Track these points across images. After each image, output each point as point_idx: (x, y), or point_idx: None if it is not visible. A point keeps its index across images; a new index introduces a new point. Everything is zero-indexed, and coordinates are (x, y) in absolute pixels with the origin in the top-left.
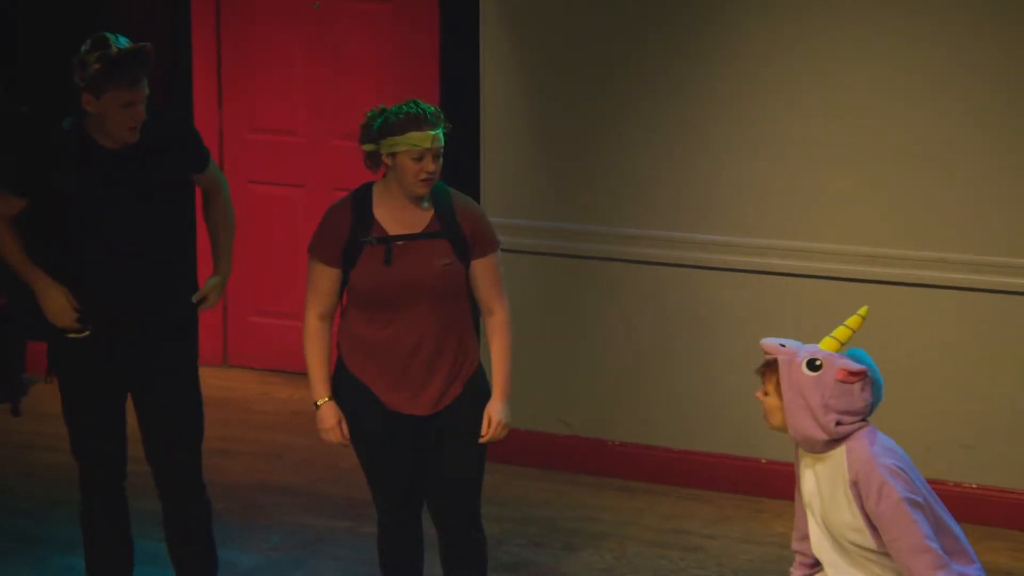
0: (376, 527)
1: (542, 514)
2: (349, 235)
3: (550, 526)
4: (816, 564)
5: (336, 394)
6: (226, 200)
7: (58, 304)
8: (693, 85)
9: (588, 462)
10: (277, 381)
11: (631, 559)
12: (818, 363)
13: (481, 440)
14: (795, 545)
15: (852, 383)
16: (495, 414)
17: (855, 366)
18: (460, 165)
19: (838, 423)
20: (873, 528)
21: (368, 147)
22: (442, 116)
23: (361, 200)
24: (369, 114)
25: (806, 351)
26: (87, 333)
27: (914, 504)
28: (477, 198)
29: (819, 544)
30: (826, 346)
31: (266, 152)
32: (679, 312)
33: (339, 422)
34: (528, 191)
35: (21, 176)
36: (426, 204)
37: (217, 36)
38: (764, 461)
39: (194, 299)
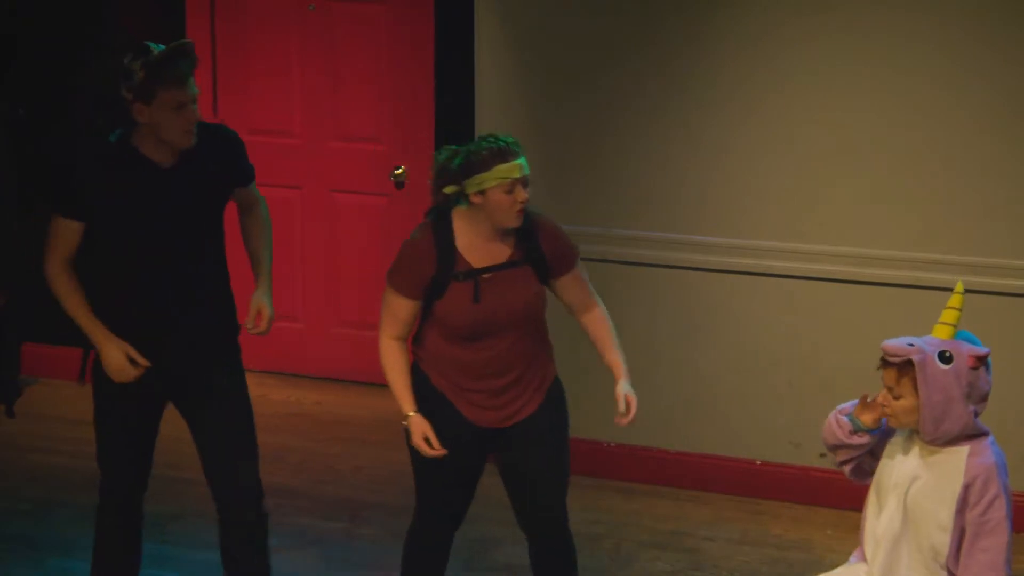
0: (407, 534)
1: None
2: (435, 273)
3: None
4: None
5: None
6: (266, 216)
7: (119, 361)
8: (689, 87)
9: (585, 464)
10: (273, 383)
11: (628, 560)
12: (948, 355)
13: (624, 422)
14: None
15: (979, 367)
16: (628, 393)
17: (980, 349)
18: None
19: (976, 413)
20: (958, 534)
21: (450, 189)
22: (517, 143)
23: (442, 232)
24: (441, 156)
25: (932, 346)
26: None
27: (1011, 527)
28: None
29: (889, 527)
30: (941, 333)
31: (262, 154)
32: (675, 314)
33: (425, 435)
34: None
35: (73, 196)
36: (509, 230)
37: (212, 38)
38: (759, 463)
39: (248, 323)
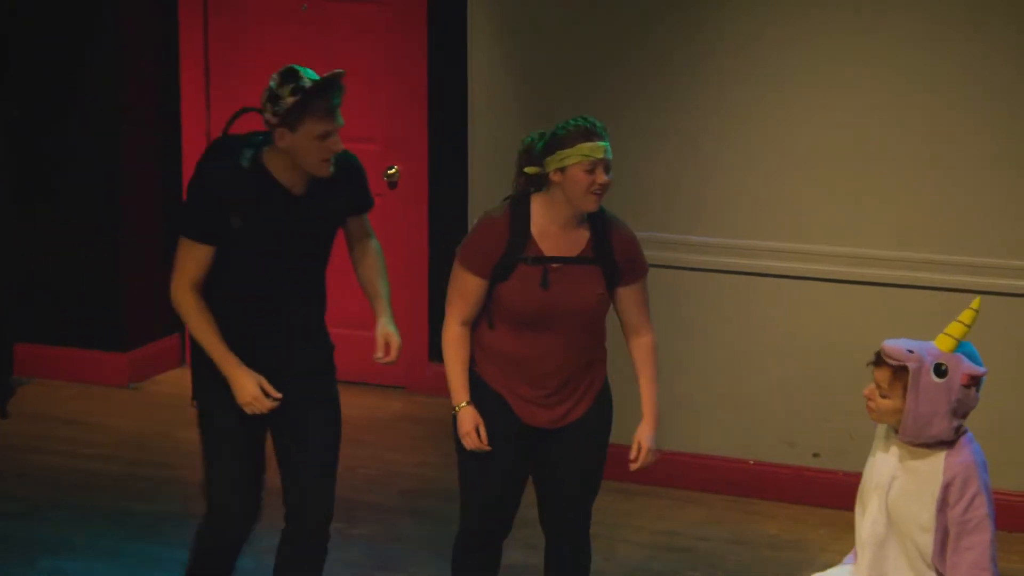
0: (456, 539)
1: (535, 516)
2: (505, 251)
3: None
4: None
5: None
6: (379, 248)
7: (253, 391)
8: (684, 88)
9: None
10: None
11: (623, 560)
12: (944, 368)
13: (632, 468)
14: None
15: (971, 387)
16: (645, 440)
17: (977, 369)
18: (449, 166)
19: (958, 427)
20: (941, 533)
21: (532, 170)
22: (603, 127)
23: (519, 213)
24: (527, 140)
25: (931, 356)
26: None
27: (993, 525)
28: (465, 201)
29: (872, 529)
30: (943, 345)
31: None
32: (670, 314)
33: (477, 427)
34: None
35: (204, 220)
36: (584, 224)
37: (205, 38)
38: (753, 462)
39: (378, 353)
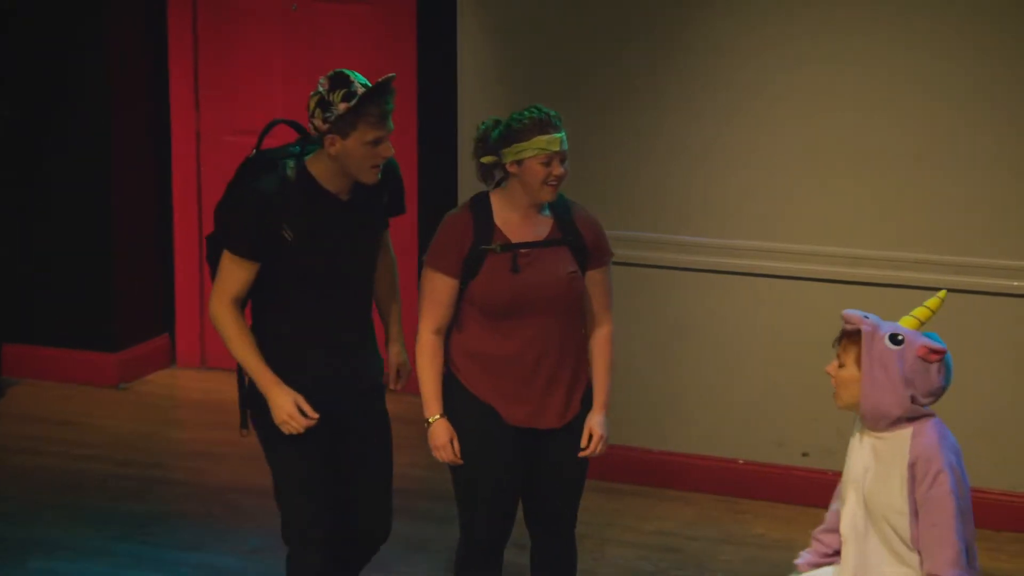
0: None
1: (522, 516)
2: (472, 244)
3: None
4: (833, 555)
5: (449, 411)
6: (395, 264)
7: (289, 409)
8: (671, 88)
9: None
10: None
11: (611, 560)
12: (900, 338)
13: (582, 454)
14: (817, 534)
15: (931, 362)
16: (597, 428)
17: (936, 344)
18: (438, 167)
19: (913, 399)
20: (915, 515)
21: (487, 159)
22: (559, 118)
23: (480, 207)
24: (481, 127)
25: (888, 325)
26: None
27: (959, 503)
28: (454, 201)
29: (851, 523)
30: (906, 324)
31: (245, 154)
32: (658, 313)
33: (451, 439)
34: None
35: (251, 236)
36: (546, 212)
37: (194, 38)
38: (742, 462)
39: (390, 379)
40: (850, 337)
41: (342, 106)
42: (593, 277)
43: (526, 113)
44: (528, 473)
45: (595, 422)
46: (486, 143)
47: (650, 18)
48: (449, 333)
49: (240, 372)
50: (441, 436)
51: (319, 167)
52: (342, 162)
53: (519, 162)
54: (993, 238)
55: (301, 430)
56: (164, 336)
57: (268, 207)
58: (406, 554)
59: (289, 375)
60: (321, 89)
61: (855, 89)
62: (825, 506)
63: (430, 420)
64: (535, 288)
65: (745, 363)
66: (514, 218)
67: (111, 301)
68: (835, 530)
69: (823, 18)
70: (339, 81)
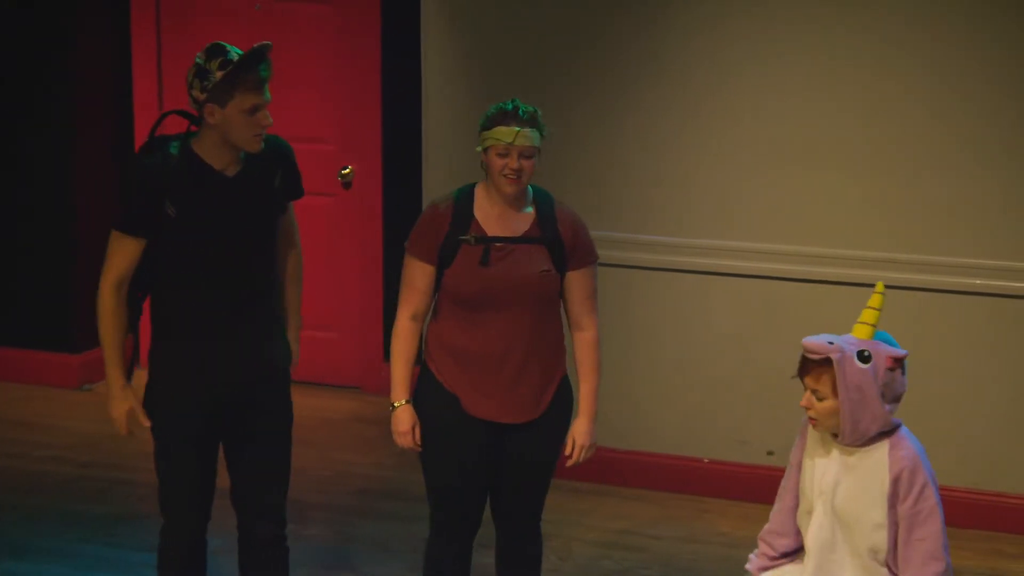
0: (428, 538)
1: (488, 516)
2: (448, 232)
3: (490, 525)
4: (780, 557)
5: (416, 399)
6: (299, 252)
7: (119, 415)
8: (635, 86)
9: None
10: None
11: (576, 560)
12: (867, 354)
13: (568, 464)
14: (765, 536)
15: (896, 368)
16: (580, 436)
17: (898, 351)
18: (403, 166)
19: (891, 412)
20: (894, 529)
21: (477, 148)
22: (538, 118)
23: (463, 198)
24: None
25: (852, 344)
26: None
27: (942, 513)
28: (419, 200)
29: (818, 535)
30: (859, 334)
31: None
32: (621, 313)
33: (413, 427)
34: None
35: (136, 212)
36: (528, 208)
37: (158, 38)
38: (706, 461)
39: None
40: (820, 366)
41: (219, 74)
42: (573, 278)
43: (498, 104)
44: (495, 467)
45: (578, 430)
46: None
47: (613, 15)
48: (428, 321)
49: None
50: (403, 422)
51: (202, 144)
52: (223, 132)
53: (485, 151)
54: (964, 237)
55: (125, 433)
56: (127, 337)
57: (149, 182)
58: (371, 554)
59: (181, 362)
60: (199, 60)
61: (821, 87)
62: None
63: (395, 404)
64: (503, 283)
65: (708, 362)
66: (493, 211)
67: (73, 302)
68: (783, 533)
69: (790, 14)
70: (215, 51)
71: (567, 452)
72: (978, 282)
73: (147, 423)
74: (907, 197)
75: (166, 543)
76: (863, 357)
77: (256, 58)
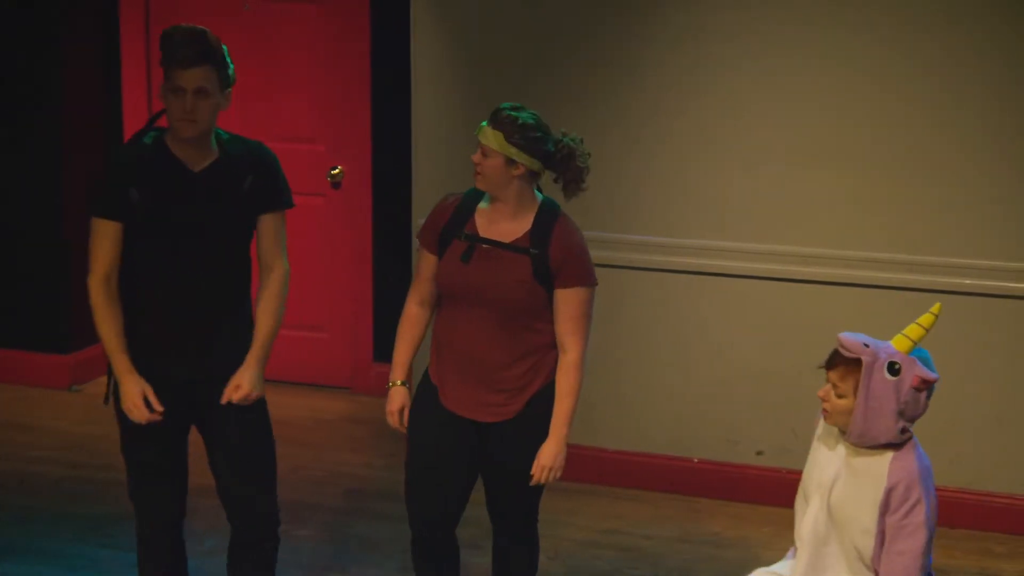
0: (411, 536)
1: (477, 516)
2: (446, 225)
3: (486, 528)
4: None
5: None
6: (281, 274)
7: (134, 399)
8: (624, 87)
9: None
10: None
11: (566, 560)
12: (897, 367)
13: (531, 483)
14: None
15: (923, 390)
16: (543, 456)
17: (930, 374)
18: (392, 167)
19: (903, 430)
20: (881, 537)
21: None
22: (503, 118)
23: (472, 195)
24: None
25: (885, 353)
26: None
27: (930, 533)
28: (409, 201)
29: (813, 528)
30: (899, 346)
31: None
32: (611, 313)
33: (401, 409)
34: None
35: (107, 196)
36: (528, 214)
37: (146, 38)
38: (697, 461)
39: (225, 394)
40: (848, 364)
41: (160, 51)
42: (559, 297)
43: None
44: (476, 465)
45: (544, 451)
46: None
47: (600, 15)
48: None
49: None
50: (392, 401)
51: (172, 136)
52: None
53: None
54: (947, 236)
55: (143, 421)
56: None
57: (118, 167)
58: (362, 554)
59: (146, 358)
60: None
61: (810, 86)
62: (778, 504)
63: (389, 384)
64: (477, 284)
65: (698, 362)
66: (494, 215)
67: (63, 303)
68: None
69: (783, 14)
70: (167, 31)
71: (532, 471)
72: (968, 282)
73: (160, 408)
74: (897, 197)
75: (139, 536)
76: (893, 369)
77: (183, 35)
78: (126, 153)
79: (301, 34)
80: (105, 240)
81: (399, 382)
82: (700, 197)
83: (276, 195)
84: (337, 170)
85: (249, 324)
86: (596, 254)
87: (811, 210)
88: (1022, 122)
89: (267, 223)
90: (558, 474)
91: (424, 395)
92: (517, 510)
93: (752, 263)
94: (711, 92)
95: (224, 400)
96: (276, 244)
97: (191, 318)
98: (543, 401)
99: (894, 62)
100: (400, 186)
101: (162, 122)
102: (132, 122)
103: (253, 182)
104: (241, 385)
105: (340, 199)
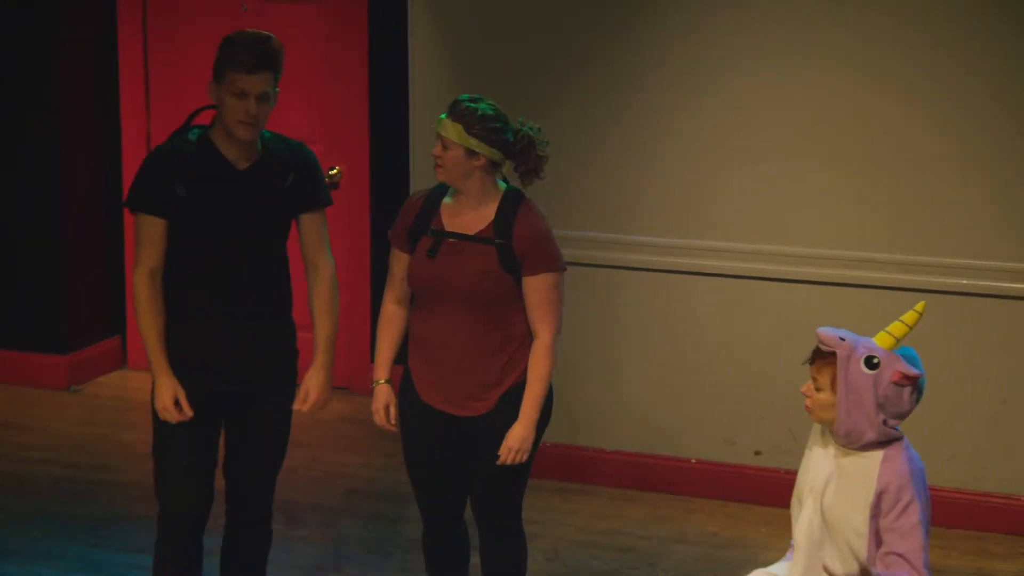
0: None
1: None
2: (413, 222)
3: None
4: None
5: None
6: (331, 280)
7: (166, 400)
8: (620, 87)
9: None
10: None
11: (564, 560)
12: (876, 361)
13: (498, 463)
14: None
15: (905, 386)
16: (510, 438)
17: (911, 369)
18: (390, 167)
19: (884, 422)
20: (875, 538)
21: None
22: (462, 109)
23: (437, 190)
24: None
25: (864, 347)
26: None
27: (926, 531)
28: (406, 192)
29: (808, 531)
30: (881, 342)
31: None
32: (606, 313)
33: (386, 406)
34: None
35: (153, 192)
36: (491, 204)
37: (144, 39)
38: (694, 461)
39: (296, 401)
40: (824, 358)
41: (219, 52)
42: (527, 284)
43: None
44: (457, 459)
45: (512, 433)
46: None
47: (600, 14)
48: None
49: None
50: (377, 399)
51: (218, 132)
52: (220, 114)
53: None
54: (941, 235)
55: (174, 422)
56: (115, 338)
57: (163, 163)
58: (360, 555)
59: (186, 352)
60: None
61: (806, 86)
62: (776, 504)
63: (374, 383)
64: (444, 278)
65: (696, 362)
66: (458, 208)
67: (61, 303)
68: None
69: (782, 14)
70: (231, 34)
71: (500, 452)
72: (966, 282)
73: (190, 412)
74: (896, 197)
75: (161, 536)
76: (871, 363)
77: (252, 41)
78: (171, 150)
79: (299, 35)
80: (152, 236)
81: (382, 380)
82: (699, 197)
83: (317, 193)
84: (335, 170)
85: (288, 321)
86: (591, 254)
87: (810, 210)
88: (1021, 122)
89: (310, 221)
90: (524, 456)
91: (405, 390)
92: (499, 506)
93: (750, 263)
94: (710, 92)
95: (295, 407)
96: (321, 242)
97: (233, 314)
98: (519, 396)
99: (894, 62)
100: (398, 186)
101: (200, 119)
102: (130, 122)
103: (295, 180)
104: (310, 395)
105: (338, 199)
